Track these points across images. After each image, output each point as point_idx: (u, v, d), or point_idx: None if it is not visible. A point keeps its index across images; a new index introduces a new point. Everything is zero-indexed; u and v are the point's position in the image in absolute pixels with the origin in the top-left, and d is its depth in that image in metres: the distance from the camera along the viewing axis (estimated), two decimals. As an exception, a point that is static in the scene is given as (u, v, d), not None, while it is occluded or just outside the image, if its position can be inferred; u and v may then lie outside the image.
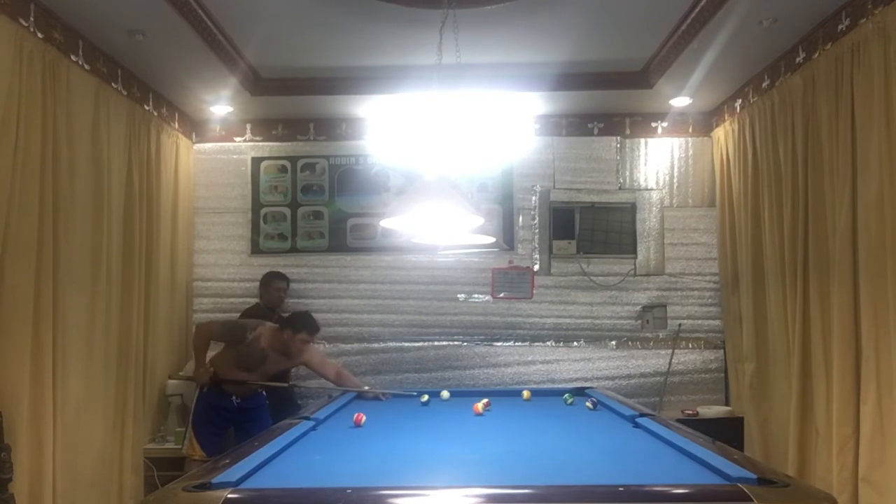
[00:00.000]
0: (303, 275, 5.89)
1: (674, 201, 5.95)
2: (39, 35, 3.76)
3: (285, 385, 5.01)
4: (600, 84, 5.28)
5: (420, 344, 5.87)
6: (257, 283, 5.68)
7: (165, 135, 5.39)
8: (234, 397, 4.63)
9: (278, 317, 5.27)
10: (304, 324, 4.62)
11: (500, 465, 2.66)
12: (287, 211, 5.99)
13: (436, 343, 5.88)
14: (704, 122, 5.94)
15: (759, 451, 4.96)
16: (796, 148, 4.41)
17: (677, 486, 2.22)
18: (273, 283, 5.59)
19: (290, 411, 4.51)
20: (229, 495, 2.05)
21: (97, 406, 4.29)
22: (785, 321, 4.61)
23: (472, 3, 4.02)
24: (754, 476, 2.17)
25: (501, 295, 5.91)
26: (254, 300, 5.69)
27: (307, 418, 3.47)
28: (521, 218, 5.96)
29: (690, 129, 5.97)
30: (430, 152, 4.18)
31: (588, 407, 3.96)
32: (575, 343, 5.86)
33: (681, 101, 5.58)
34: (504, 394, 4.78)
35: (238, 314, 5.58)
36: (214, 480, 2.19)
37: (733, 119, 5.43)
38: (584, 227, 5.96)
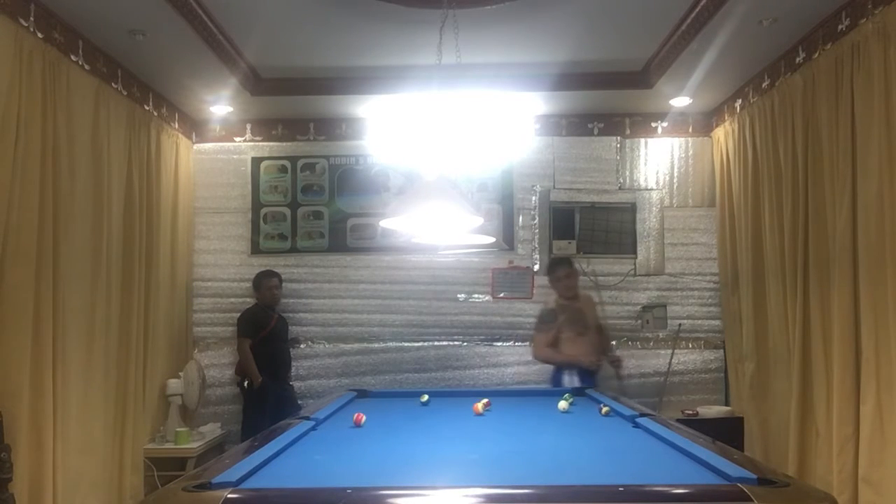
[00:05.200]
0: (303, 275, 5.89)
1: (674, 201, 5.95)
2: (39, 35, 3.76)
3: None
4: (600, 84, 5.29)
5: (420, 344, 5.87)
6: (254, 285, 5.68)
7: (165, 135, 5.39)
8: None
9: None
10: (553, 265, 5.28)
11: (500, 465, 2.65)
12: (287, 211, 5.99)
13: (436, 343, 5.88)
14: (704, 122, 5.94)
15: (759, 451, 4.96)
16: (796, 148, 4.40)
17: (677, 486, 2.22)
18: (265, 282, 5.58)
19: (289, 411, 4.51)
20: (229, 495, 2.05)
21: (97, 406, 4.29)
22: (785, 321, 4.61)
23: (472, 3, 4.02)
24: (754, 476, 2.17)
25: (501, 295, 5.91)
26: (253, 300, 5.69)
27: (307, 418, 3.46)
28: (521, 218, 5.96)
29: (690, 129, 5.97)
30: (430, 152, 4.18)
31: (602, 412, 3.77)
32: (575, 343, 5.86)
33: (681, 101, 5.58)
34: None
35: (238, 314, 5.59)
36: (214, 480, 2.19)
37: (733, 119, 5.42)
38: (584, 227, 5.96)
